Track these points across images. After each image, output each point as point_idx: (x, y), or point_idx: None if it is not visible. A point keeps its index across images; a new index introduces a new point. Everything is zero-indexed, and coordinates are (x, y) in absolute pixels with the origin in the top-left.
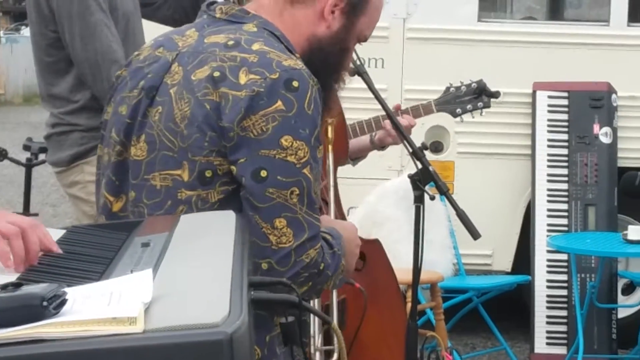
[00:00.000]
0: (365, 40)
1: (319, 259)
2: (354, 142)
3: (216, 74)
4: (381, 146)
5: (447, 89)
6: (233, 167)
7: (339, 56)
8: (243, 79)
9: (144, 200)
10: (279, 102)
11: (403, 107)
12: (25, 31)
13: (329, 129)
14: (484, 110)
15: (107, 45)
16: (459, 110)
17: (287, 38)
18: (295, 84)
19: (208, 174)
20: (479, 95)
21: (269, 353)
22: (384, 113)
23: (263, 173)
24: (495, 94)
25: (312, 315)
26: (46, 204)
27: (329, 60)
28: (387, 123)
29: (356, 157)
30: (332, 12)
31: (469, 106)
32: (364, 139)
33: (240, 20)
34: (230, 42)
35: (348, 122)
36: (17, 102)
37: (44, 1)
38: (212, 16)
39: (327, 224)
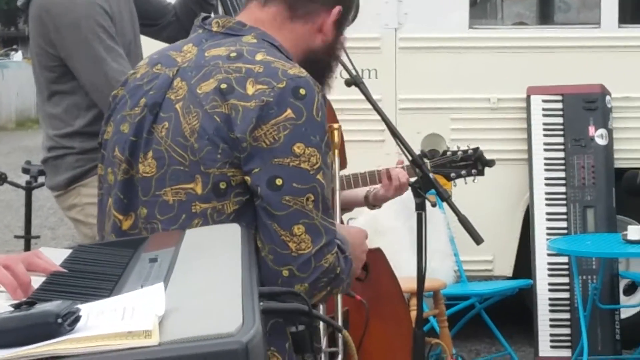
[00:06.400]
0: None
1: (336, 263)
2: (347, 194)
3: (223, 86)
4: (373, 205)
5: (444, 152)
6: (247, 178)
7: (332, 64)
8: (250, 89)
9: (157, 216)
10: (289, 111)
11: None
12: (16, 56)
13: (335, 134)
14: (477, 178)
15: (119, 70)
16: (453, 174)
17: (284, 48)
18: (302, 91)
19: (222, 185)
20: (474, 162)
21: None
22: (380, 168)
23: (278, 181)
24: (490, 163)
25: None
26: (44, 227)
27: (324, 68)
28: (384, 174)
29: (344, 208)
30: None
31: (463, 172)
32: (358, 193)
33: (238, 32)
34: (233, 54)
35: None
36: (10, 127)
37: (50, 23)
38: (209, 30)
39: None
